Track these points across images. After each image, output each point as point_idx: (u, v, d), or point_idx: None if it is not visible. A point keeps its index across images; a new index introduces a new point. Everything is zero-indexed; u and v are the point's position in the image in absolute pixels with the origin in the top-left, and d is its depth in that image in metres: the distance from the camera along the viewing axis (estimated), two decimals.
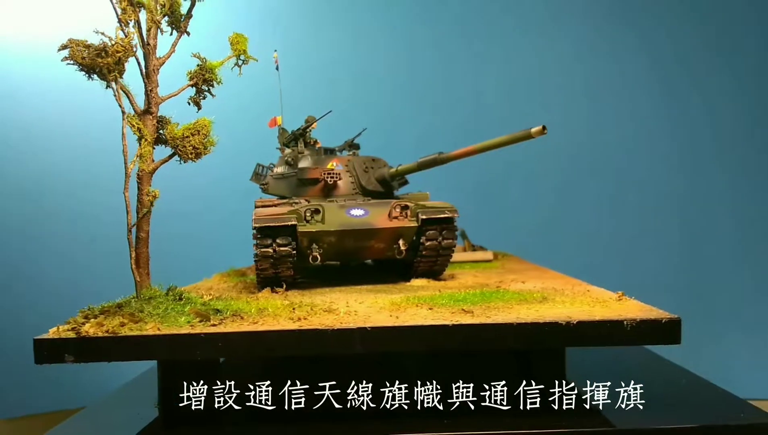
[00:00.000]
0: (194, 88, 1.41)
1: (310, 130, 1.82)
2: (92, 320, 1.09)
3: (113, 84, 1.19)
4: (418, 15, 2.86)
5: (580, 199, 2.77)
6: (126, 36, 1.21)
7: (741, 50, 2.70)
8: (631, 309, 1.12)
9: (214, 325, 1.09)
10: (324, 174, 1.63)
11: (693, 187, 2.73)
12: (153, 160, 1.32)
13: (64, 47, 1.22)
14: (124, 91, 1.29)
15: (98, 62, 1.14)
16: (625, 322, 1.03)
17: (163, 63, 1.35)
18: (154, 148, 1.33)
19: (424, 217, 1.49)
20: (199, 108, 1.44)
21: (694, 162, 2.73)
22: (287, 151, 1.79)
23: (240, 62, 1.50)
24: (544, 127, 1.34)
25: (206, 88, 1.43)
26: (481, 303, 1.21)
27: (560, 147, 2.76)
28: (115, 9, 1.18)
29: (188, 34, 1.42)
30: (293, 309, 1.14)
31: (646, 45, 2.76)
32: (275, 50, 1.95)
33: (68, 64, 1.23)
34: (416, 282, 1.57)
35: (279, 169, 1.77)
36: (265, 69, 1.94)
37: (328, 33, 2.83)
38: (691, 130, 2.74)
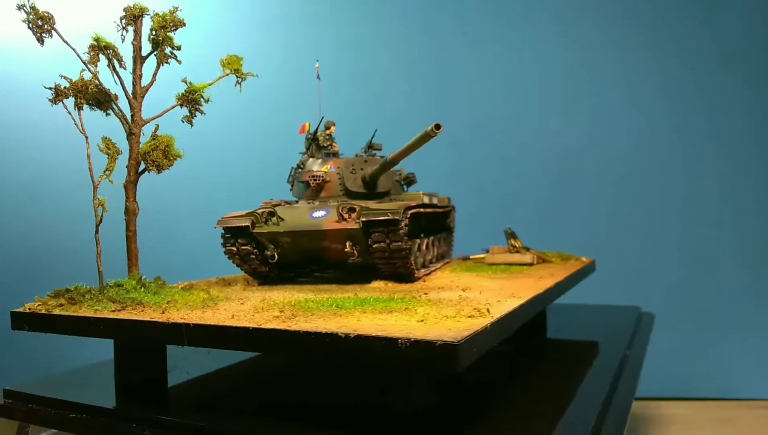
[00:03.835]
0: (182, 107, 1.66)
1: (327, 134, 1.91)
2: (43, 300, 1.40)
3: (73, 113, 1.48)
4: (422, 17, 2.99)
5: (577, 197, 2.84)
6: (93, 75, 1.50)
7: (745, 52, 2.67)
8: (460, 326, 1.01)
9: (113, 311, 1.31)
10: (309, 177, 1.73)
11: (695, 188, 2.74)
12: (137, 173, 1.60)
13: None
14: (117, 116, 1.60)
15: (52, 101, 1.44)
16: (399, 341, 0.95)
17: (147, 90, 1.61)
18: (139, 163, 1.61)
19: (364, 219, 1.49)
20: (192, 125, 1.68)
21: (696, 163, 2.74)
22: (303, 156, 1.92)
23: (240, 80, 1.71)
24: (437, 126, 1.25)
25: (193, 108, 1.66)
26: (349, 308, 1.19)
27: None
28: (78, 56, 1.47)
29: (179, 62, 1.67)
30: (168, 301, 1.29)
31: (650, 48, 2.76)
32: (317, 60, 2.10)
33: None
34: (374, 284, 1.57)
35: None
36: (305, 75, 2.11)
37: (353, 39, 2.99)
38: (695, 131, 2.73)
